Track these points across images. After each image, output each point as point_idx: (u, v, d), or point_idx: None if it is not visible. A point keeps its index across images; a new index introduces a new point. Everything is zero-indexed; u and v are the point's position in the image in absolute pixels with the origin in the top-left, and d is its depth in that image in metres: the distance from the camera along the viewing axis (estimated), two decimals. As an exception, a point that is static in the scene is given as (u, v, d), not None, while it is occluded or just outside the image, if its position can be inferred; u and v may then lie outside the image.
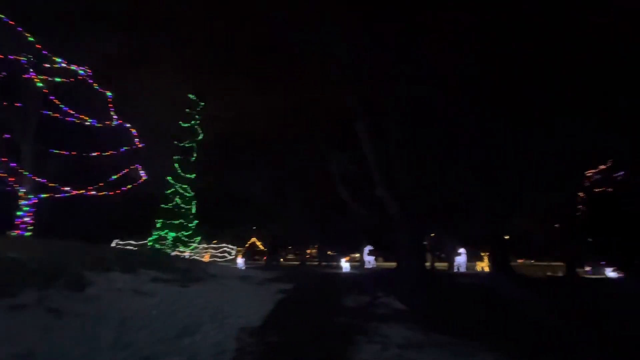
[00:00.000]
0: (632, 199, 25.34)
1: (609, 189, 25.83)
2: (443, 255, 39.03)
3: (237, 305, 10.87)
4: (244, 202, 36.90)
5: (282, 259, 49.36)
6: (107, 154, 20.13)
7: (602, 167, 25.04)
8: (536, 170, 23.69)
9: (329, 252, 44.23)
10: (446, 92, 20.94)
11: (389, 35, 19.72)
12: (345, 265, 30.33)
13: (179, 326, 8.31)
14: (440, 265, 35.98)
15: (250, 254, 49.39)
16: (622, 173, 25.47)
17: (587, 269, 30.20)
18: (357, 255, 40.20)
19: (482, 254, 31.83)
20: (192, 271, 13.76)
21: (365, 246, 36.76)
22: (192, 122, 31.09)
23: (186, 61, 34.81)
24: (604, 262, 28.36)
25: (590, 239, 26.69)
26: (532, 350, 8.83)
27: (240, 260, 34.22)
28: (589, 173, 25.24)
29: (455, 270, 31.02)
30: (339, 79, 20.61)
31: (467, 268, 31.07)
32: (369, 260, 36.80)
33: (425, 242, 28.60)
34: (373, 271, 30.23)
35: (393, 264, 28.08)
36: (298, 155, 27.88)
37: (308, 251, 49.34)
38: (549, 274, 30.33)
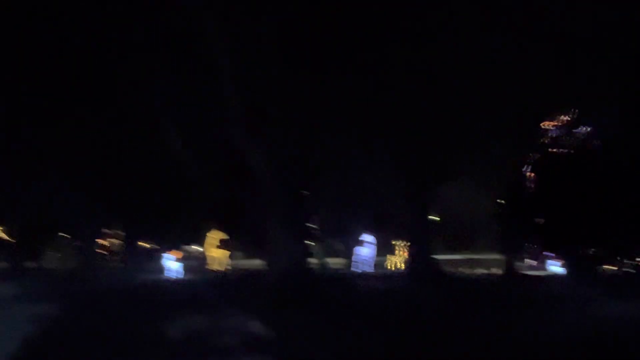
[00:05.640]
0: (592, 167, 18.70)
1: (566, 150, 18.78)
2: (341, 245, 29.57)
3: None
4: None
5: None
6: None
7: (564, 118, 17.76)
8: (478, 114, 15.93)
9: (142, 244, 26.45)
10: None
11: None
12: (172, 266, 19.79)
13: None
14: (337, 262, 25.63)
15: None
16: (584, 128, 18.44)
17: (532, 262, 23.13)
18: (198, 248, 25.40)
19: (395, 242, 22.57)
20: None
21: (210, 231, 24.32)
22: None
23: None
24: (548, 253, 21.66)
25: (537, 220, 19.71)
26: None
27: None
28: (545, 125, 17.91)
29: (355, 269, 21.31)
30: None
31: (375, 265, 21.47)
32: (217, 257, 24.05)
33: (313, 225, 19.05)
34: (224, 275, 20.14)
35: (260, 264, 17.91)
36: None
37: (100, 241, 27.42)
38: (481, 271, 22.73)
